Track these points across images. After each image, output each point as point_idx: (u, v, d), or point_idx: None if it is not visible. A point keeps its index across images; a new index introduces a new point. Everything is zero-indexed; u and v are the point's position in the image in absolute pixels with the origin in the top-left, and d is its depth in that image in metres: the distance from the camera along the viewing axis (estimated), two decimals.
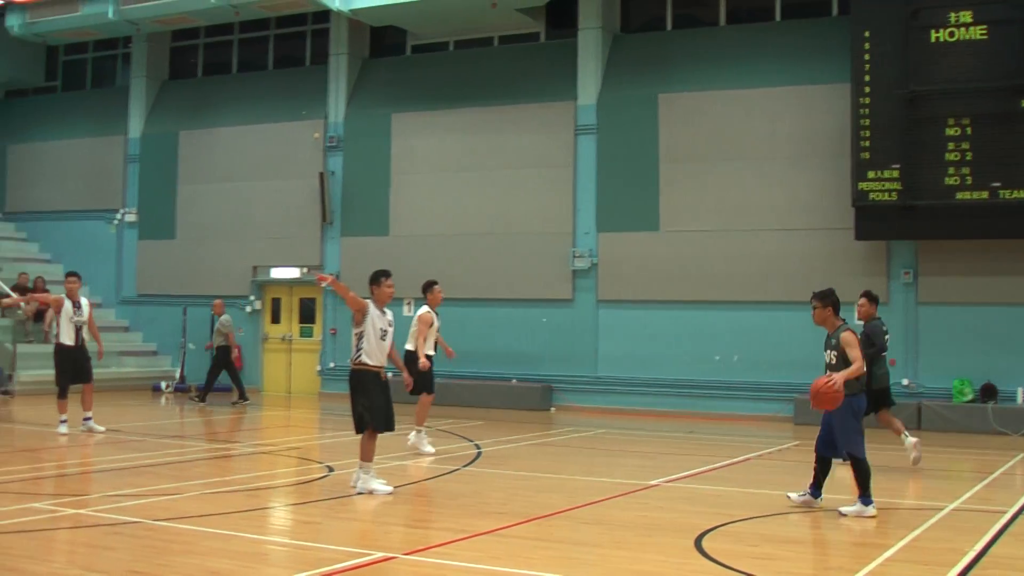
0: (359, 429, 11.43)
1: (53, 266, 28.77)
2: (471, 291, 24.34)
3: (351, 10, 24.13)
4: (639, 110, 23.32)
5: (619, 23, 24.55)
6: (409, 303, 23.06)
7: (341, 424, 16.99)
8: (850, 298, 21.10)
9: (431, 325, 15.37)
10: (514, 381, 23.70)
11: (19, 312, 20.46)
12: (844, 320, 11.07)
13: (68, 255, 29.09)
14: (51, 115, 31.06)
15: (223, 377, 23.22)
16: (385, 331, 11.53)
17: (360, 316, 11.41)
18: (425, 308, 15.52)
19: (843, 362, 10.70)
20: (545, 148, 24.18)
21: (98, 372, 25.41)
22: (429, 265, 24.57)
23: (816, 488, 10.95)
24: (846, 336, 10.77)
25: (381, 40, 27.07)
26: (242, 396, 23.02)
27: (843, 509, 10.59)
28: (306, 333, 26.69)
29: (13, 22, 27.82)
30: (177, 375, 26.49)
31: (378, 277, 11.67)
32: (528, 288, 24.03)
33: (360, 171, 25.98)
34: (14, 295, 21.63)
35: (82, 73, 31.50)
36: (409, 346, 15.27)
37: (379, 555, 8.38)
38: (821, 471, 10.96)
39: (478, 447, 16.04)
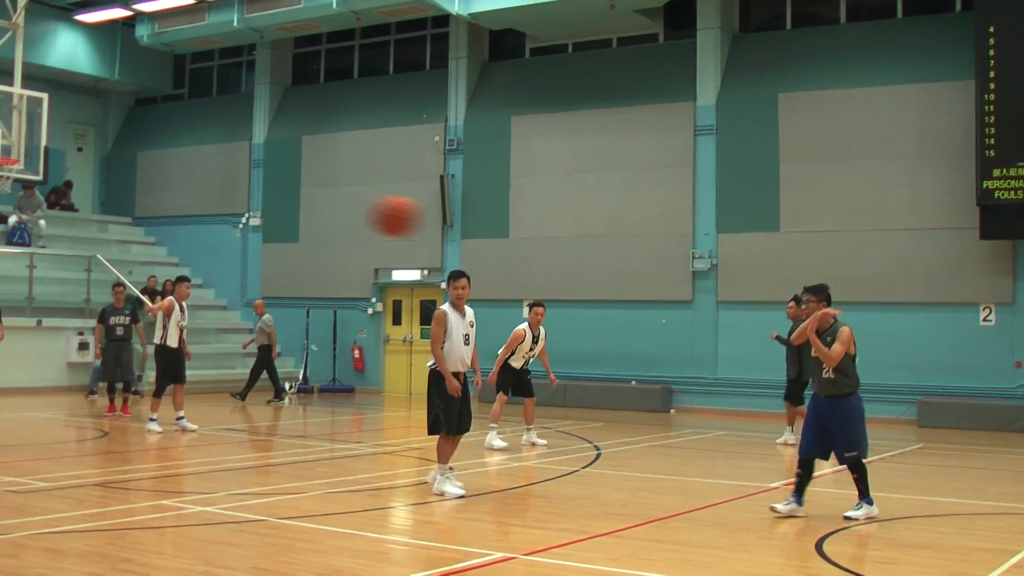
0: (432, 431, 11.41)
1: (181, 270, 29.41)
2: (591, 293, 24.35)
3: (470, 14, 24.29)
4: (759, 110, 23.11)
5: (738, 23, 24.35)
6: (534, 307, 23.07)
7: None
8: (975, 298, 20.87)
9: (521, 342, 15.87)
10: (634, 383, 23.63)
11: (149, 316, 21.04)
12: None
13: (195, 259, 29.83)
14: (179, 122, 31.82)
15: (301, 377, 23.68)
16: (467, 334, 11.42)
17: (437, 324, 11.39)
18: (522, 326, 15.94)
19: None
20: (663, 149, 24.08)
21: (222, 373, 26.09)
22: (549, 267, 24.69)
23: (799, 495, 10.46)
24: (842, 329, 10.63)
25: (500, 43, 27.22)
26: (278, 395, 23.62)
27: (850, 514, 10.25)
28: (427, 335, 26.93)
29: (142, 32, 28.54)
30: (300, 376, 26.93)
31: (450, 279, 11.60)
32: (647, 289, 23.95)
33: (480, 173, 26.15)
34: (148, 302, 22.23)
35: (208, 80, 32.20)
36: (500, 352, 15.73)
37: (499, 555, 8.42)
38: (805, 476, 10.49)
39: (598, 448, 16.04)
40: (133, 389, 23.73)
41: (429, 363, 11.41)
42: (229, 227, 29.90)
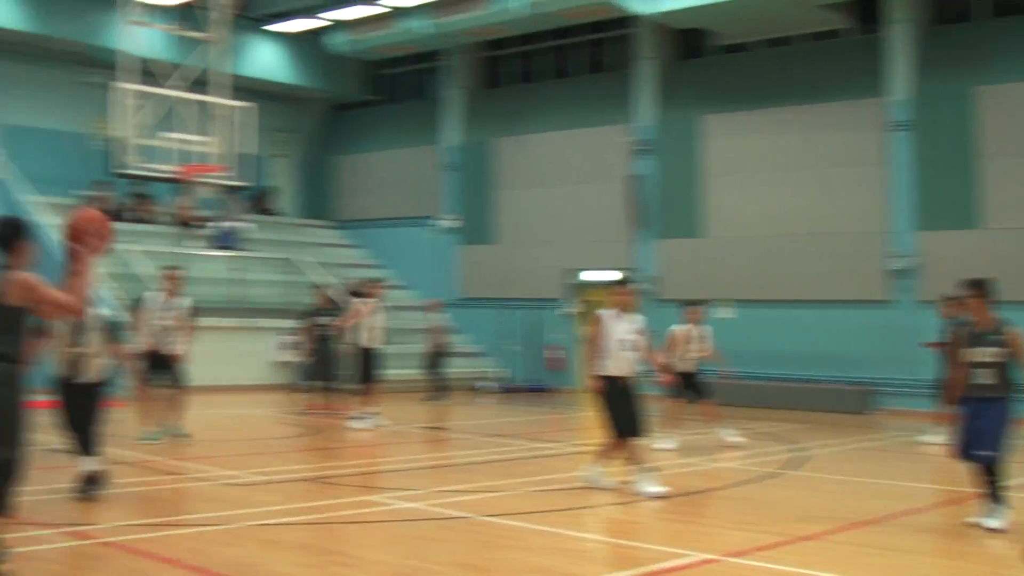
0: (614, 436, 11.57)
1: (380, 272, 30.11)
2: (783, 292, 24.04)
3: (656, 14, 24.24)
4: (955, 104, 22.44)
5: (930, 15, 23.69)
6: (723, 305, 22.98)
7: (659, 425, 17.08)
8: None
9: (684, 341, 16.09)
10: (830, 384, 23.22)
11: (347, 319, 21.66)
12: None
13: (393, 261, 30.47)
14: (373, 127, 32.56)
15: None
16: (623, 340, 11.47)
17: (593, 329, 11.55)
18: (681, 327, 16.22)
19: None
20: (855, 146, 23.62)
21: (420, 372, 26.52)
22: (742, 267, 24.46)
23: (994, 498, 9.76)
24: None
25: (686, 42, 27.04)
26: (434, 395, 23.80)
27: (989, 523, 9.60)
28: None
29: (337, 40, 29.31)
30: (502, 375, 27.29)
31: (614, 284, 11.80)
32: (841, 289, 23.52)
33: (670, 174, 26.05)
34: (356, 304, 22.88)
35: (400, 86, 32.85)
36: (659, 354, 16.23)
37: (700, 556, 8.42)
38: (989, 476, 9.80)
39: (799, 450, 15.83)
40: (336, 387, 24.46)
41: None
42: (423, 229, 30.47)
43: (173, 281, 15.90)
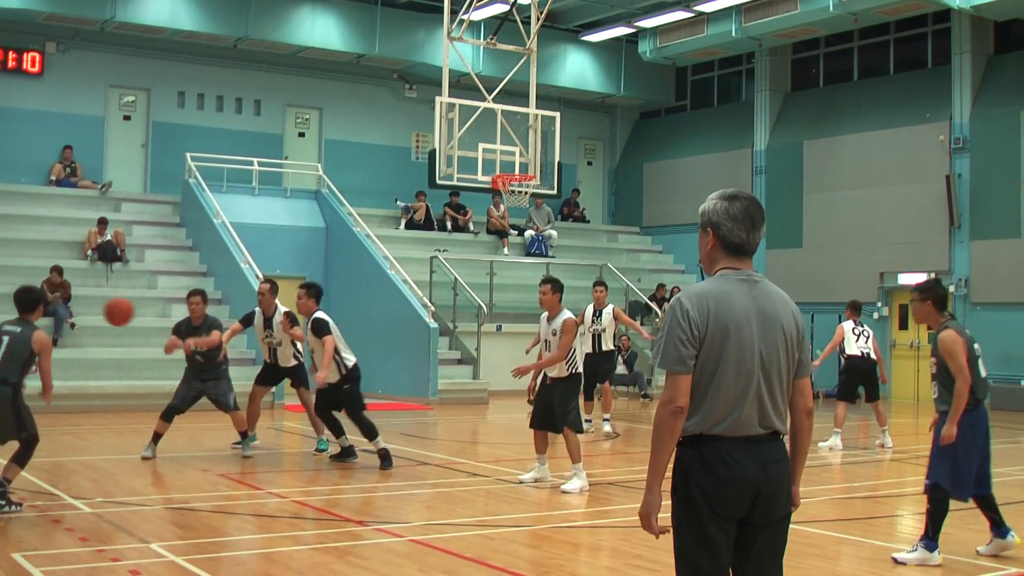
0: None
1: (687, 277, 30.18)
2: None
3: (973, 7, 23.29)
4: None
5: None
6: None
7: None
8: None
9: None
10: None
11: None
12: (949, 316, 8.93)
13: (698, 266, 30.43)
14: (681, 133, 32.62)
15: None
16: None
17: None
18: (847, 324, 16.60)
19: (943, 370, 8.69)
20: None
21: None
22: None
23: (997, 527, 8.82)
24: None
25: (1006, 35, 25.86)
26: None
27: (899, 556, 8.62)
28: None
29: (645, 48, 29.51)
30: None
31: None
32: None
33: (988, 172, 24.96)
34: (655, 309, 22.97)
35: (709, 91, 32.78)
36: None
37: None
38: (987, 507, 8.83)
39: None
40: (643, 392, 24.70)
41: None
42: None
43: (599, 294, 17.15)
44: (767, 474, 4.55)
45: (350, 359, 13.17)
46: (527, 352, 21.14)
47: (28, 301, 10.10)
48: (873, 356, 16.36)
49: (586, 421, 16.48)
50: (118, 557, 8.20)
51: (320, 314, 13.15)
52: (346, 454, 13.43)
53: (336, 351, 12.96)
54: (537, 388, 12.23)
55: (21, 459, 9.91)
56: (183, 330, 13.84)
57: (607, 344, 17.31)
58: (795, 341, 4.68)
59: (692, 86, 33.04)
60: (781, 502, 4.64)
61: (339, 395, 13.14)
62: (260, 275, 21.16)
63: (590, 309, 17.26)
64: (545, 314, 12.06)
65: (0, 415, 9.72)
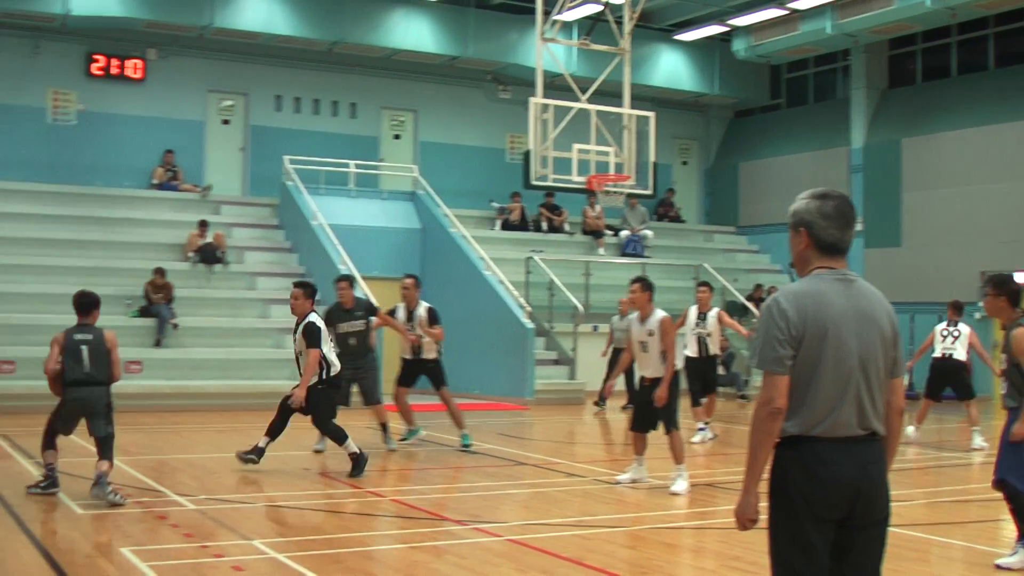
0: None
1: (783, 276, 29.93)
2: None
3: None
4: None
5: None
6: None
7: None
8: None
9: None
10: None
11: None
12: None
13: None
14: (776, 132, 32.36)
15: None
16: (642, 342, 11.93)
17: None
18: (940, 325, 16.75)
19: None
20: None
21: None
22: None
23: None
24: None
25: None
26: (601, 399, 21.40)
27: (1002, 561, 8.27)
28: None
29: (739, 46, 29.32)
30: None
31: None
32: None
33: None
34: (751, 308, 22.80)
35: (804, 89, 32.47)
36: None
37: None
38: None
39: None
40: (740, 393, 24.57)
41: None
42: None
43: (702, 295, 16.95)
44: (866, 475, 4.53)
45: (335, 366, 12.60)
46: (603, 355, 21.31)
47: (88, 304, 10.79)
48: (958, 357, 16.09)
49: (700, 429, 16.47)
50: (221, 553, 8.37)
51: (313, 317, 12.48)
52: (358, 461, 12.56)
53: (323, 357, 12.38)
54: (637, 388, 12.28)
55: (108, 454, 10.53)
56: (334, 314, 14.14)
57: (713, 348, 16.74)
58: (891, 341, 4.66)
59: (787, 84, 32.75)
60: (880, 504, 4.62)
61: (312, 396, 12.36)
62: (358, 276, 21.48)
63: (693, 310, 16.88)
64: (636, 315, 12.00)
65: (96, 411, 10.50)
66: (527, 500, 11.55)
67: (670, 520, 10.17)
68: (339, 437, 12.50)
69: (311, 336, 12.26)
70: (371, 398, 14.33)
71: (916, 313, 26.77)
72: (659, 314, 11.74)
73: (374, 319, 14.37)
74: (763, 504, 4.57)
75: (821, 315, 4.53)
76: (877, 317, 4.63)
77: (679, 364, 12.30)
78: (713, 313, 16.73)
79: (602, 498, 11.43)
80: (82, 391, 10.46)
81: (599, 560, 8.39)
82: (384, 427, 14.48)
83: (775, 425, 4.50)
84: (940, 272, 26.95)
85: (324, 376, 12.42)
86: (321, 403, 12.50)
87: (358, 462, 12.36)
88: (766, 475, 4.60)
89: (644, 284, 11.91)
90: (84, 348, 10.46)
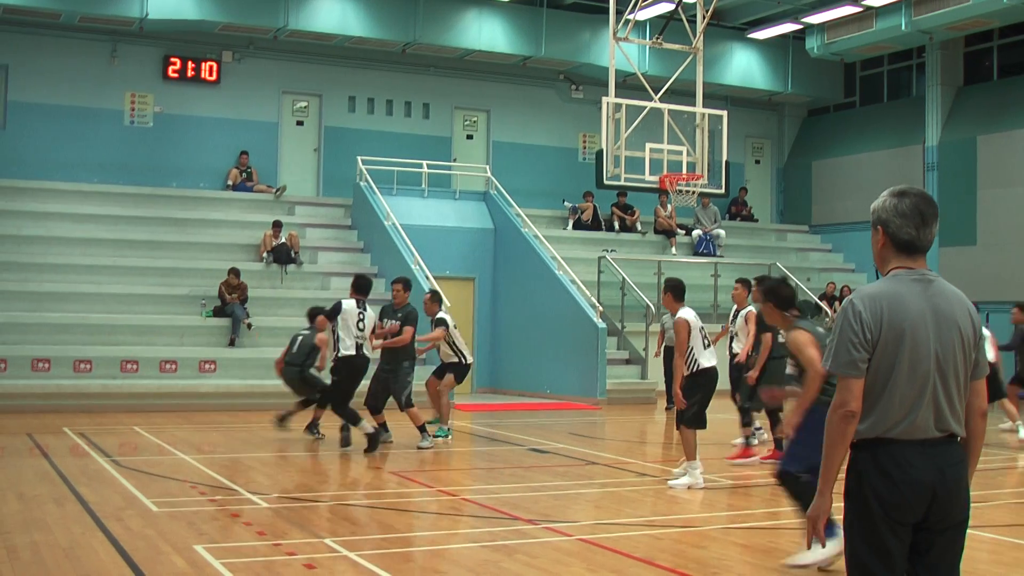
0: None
1: (857, 276, 29.63)
2: None
3: None
4: None
5: None
6: None
7: None
8: None
9: None
10: None
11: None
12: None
13: (869, 264, 29.81)
14: (850, 130, 32.04)
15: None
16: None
17: None
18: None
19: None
20: None
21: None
22: None
23: None
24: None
25: None
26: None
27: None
28: None
29: (812, 44, 29.08)
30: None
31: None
32: None
33: None
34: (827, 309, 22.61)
35: (878, 86, 32.12)
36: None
37: None
38: None
39: None
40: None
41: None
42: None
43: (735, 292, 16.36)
44: (944, 478, 4.48)
45: (346, 346, 14.29)
46: (656, 355, 21.28)
47: (312, 314, 15.93)
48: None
49: (757, 429, 15.99)
50: (294, 551, 8.45)
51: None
52: (373, 440, 14.09)
53: (336, 333, 14.40)
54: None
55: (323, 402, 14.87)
56: (385, 311, 14.97)
57: (736, 347, 15.16)
58: (971, 341, 4.57)
59: (861, 82, 32.42)
60: (959, 506, 4.56)
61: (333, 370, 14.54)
62: (430, 276, 21.59)
63: (734, 309, 16.03)
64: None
65: (299, 383, 15.51)
66: (598, 499, 11.56)
67: (742, 520, 10.12)
68: (353, 418, 14.23)
69: (406, 319, 14.48)
70: (400, 403, 14.48)
71: (992, 312, 26.37)
72: (680, 312, 12.03)
73: (407, 328, 14.51)
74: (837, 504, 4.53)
75: (897, 317, 4.48)
76: (957, 317, 4.56)
77: (706, 363, 12.15)
78: (743, 312, 15.09)
79: (673, 498, 11.39)
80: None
81: (670, 560, 8.37)
82: (421, 429, 14.55)
83: (849, 428, 4.45)
84: (1017, 271, 26.54)
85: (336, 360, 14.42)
86: (339, 379, 14.34)
87: (372, 440, 14.04)
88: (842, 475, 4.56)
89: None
90: (299, 338, 15.84)
